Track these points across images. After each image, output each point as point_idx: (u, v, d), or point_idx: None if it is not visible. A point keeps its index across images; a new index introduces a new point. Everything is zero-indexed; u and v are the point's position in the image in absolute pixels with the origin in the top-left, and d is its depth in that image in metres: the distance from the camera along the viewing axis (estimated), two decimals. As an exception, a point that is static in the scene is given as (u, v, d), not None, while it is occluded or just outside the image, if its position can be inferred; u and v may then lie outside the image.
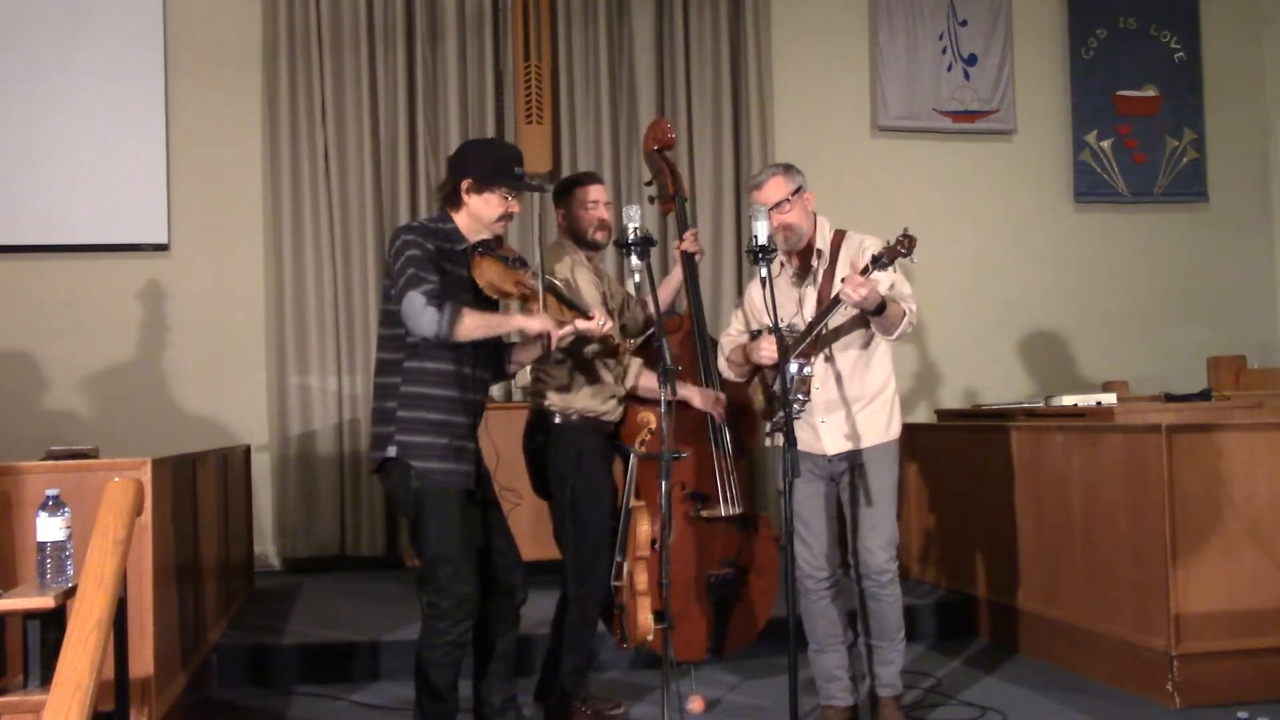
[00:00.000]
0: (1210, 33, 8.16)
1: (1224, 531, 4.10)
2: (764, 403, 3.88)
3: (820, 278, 3.82)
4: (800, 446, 3.80)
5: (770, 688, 4.35)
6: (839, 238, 3.87)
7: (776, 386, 3.73)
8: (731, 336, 4.05)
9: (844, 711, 3.89)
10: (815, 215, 3.88)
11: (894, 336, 3.77)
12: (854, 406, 3.81)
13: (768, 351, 3.69)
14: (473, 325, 3.34)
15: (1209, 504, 4.10)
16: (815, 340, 3.74)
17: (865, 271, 3.59)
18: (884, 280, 3.69)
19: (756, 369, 3.88)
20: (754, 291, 3.97)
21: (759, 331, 3.91)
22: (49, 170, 6.69)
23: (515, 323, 3.49)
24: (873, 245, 3.78)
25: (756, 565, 4.16)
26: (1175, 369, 7.62)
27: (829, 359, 3.81)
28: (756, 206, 3.68)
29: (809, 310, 3.81)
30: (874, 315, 3.66)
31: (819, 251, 3.84)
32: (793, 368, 3.63)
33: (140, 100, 6.78)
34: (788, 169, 3.86)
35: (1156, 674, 4.11)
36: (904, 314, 3.71)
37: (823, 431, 3.83)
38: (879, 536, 3.79)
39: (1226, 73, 8.18)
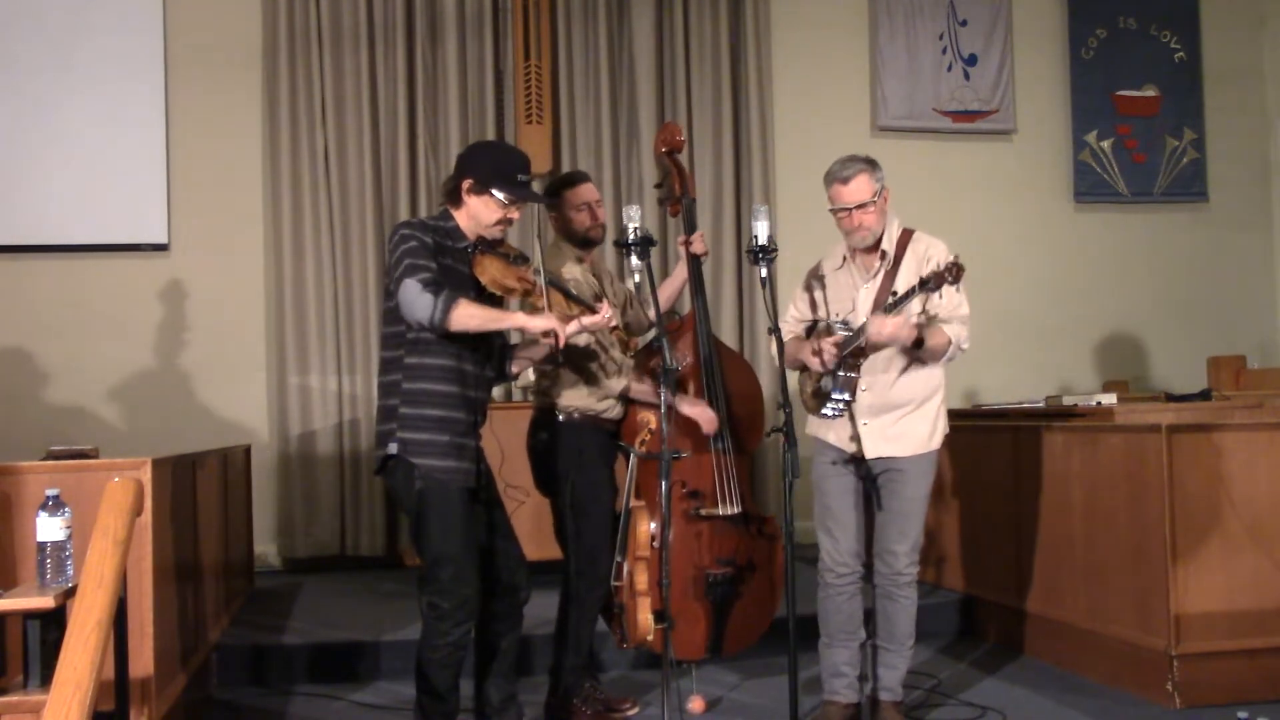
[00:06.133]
0: (1210, 33, 8.17)
1: (1224, 531, 4.09)
2: (810, 398, 3.84)
3: (880, 278, 3.75)
4: (836, 443, 3.82)
5: (770, 688, 4.35)
6: (906, 237, 3.78)
7: (824, 384, 3.72)
8: (788, 325, 3.96)
9: (846, 708, 3.89)
10: (887, 213, 3.79)
11: (940, 363, 3.74)
12: (898, 412, 3.76)
13: (814, 358, 3.68)
14: (467, 314, 3.31)
15: (1209, 504, 4.09)
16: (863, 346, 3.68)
17: (891, 307, 3.53)
18: (944, 300, 3.64)
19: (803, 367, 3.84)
20: (811, 281, 3.93)
21: (816, 323, 3.88)
22: (49, 170, 6.69)
23: (516, 321, 3.44)
24: (939, 253, 3.68)
25: (757, 565, 4.16)
26: (1175, 369, 7.62)
27: (878, 363, 3.75)
28: (758, 206, 3.65)
29: (863, 309, 3.74)
30: (913, 349, 3.63)
31: (883, 252, 3.77)
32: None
33: (140, 100, 6.78)
34: (873, 165, 3.74)
35: (1156, 674, 4.11)
36: (949, 342, 3.65)
37: (864, 434, 3.78)
38: (905, 542, 3.78)
39: (1226, 73, 8.18)
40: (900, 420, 3.77)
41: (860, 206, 3.69)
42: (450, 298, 3.30)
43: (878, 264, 3.78)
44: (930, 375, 3.81)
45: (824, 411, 3.73)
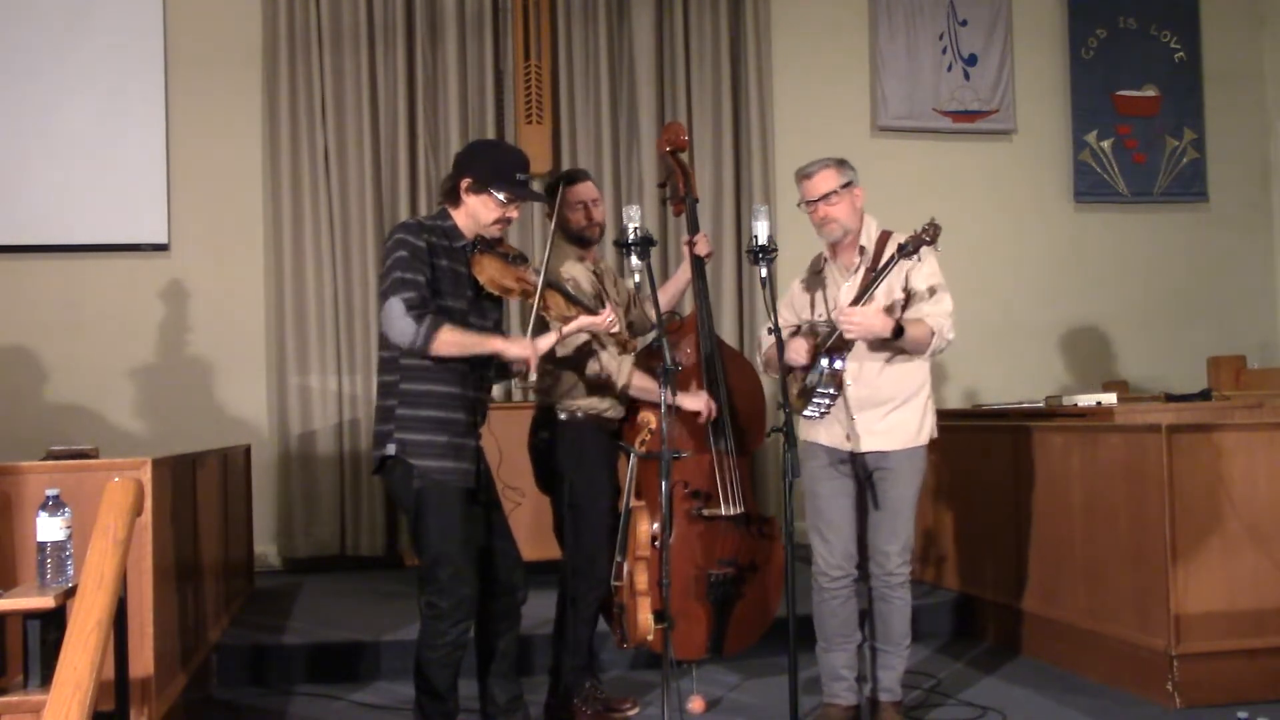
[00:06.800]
0: (1210, 33, 8.17)
1: (1224, 531, 4.10)
2: (796, 397, 3.85)
3: (860, 274, 3.77)
4: (828, 443, 3.82)
5: (770, 688, 4.35)
6: (885, 237, 3.81)
7: (809, 380, 3.73)
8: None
9: (846, 710, 3.89)
10: (862, 213, 3.84)
11: (925, 355, 3.74)
12: (886, 406, 3.77)
13: (796, 355, 3.72)
14: (450, 341, 3.32)
15: (1209, 504, 4.09)
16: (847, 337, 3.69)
17: (858, 300, 3.59)
18: (922, 276, 3.67)
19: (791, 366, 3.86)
20: (795, 287, 3.99)
21: (799, 328, 3.90)
22: (49, 170, 6.69)
23: (494, 345, 3.43)
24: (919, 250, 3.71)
25: (757, 565, 4.16)
26: (1175, 369, 7.62)
27: (863, 356, 3.76)
28: (758, 206, 3.67)
29: (845, 306, 3.75)
30: (893, 340, 3.64)
31: (861, 249, 3.80)
32: (823, 362, 3.62)
33: (140, 100, 6.78)
34: (840, 163, 3.82)
35: (1156, 674, 4.11)
36: (931, 334, 3.66)
37: (852, 429, 3.80)
38: (896, 541, 3.79)
39: (1226, 73, 8.19)
40: (888, 415, 3.78)
41: (824, 198, 3.75)
42: (434, 324, 3.29)
43: (856, 260, 3.81)
44: (916, 371, 3.81)
45: (807, 411, 3.73)
